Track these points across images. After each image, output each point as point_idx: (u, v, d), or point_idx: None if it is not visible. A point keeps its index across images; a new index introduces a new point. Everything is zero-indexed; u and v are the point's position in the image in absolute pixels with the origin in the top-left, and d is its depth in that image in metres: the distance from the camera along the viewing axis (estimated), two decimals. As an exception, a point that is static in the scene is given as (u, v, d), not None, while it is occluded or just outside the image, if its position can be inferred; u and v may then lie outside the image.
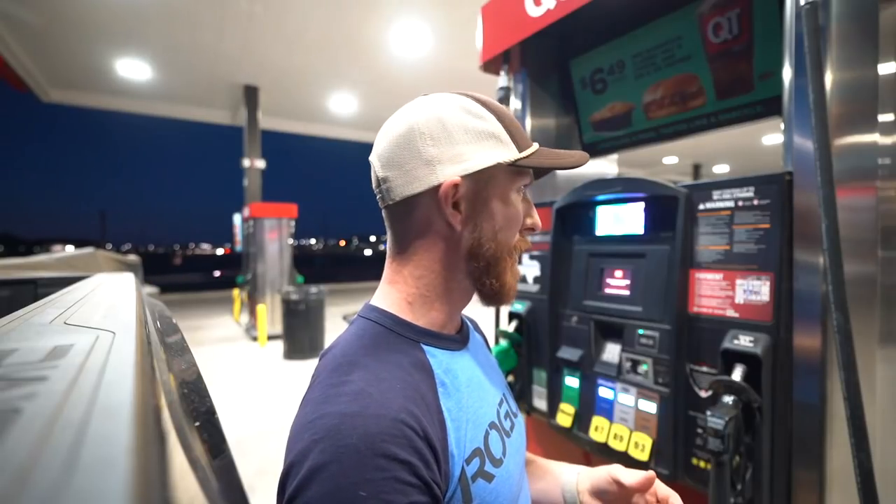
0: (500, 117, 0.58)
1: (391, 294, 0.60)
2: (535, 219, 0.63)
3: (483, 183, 0.57)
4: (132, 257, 4.83)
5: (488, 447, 0.56)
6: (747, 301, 0.94)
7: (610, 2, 1.29)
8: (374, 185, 0.61)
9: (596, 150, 1.73)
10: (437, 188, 0.55)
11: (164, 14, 5.86)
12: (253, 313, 7.58)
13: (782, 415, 0.89)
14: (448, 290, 0.60)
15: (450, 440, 0.51)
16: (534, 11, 1.43)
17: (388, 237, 0.63)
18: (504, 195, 0.59)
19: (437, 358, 0.57)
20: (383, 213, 0.62)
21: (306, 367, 5.61)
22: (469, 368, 0.61)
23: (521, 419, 0.70)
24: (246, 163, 8.83)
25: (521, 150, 0.58)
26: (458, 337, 0.63)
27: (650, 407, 1.10)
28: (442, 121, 0.56)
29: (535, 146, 0.60)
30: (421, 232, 0.58)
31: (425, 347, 0.57)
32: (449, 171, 0.55)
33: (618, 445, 1.14)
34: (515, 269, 0.62)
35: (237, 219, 9.30)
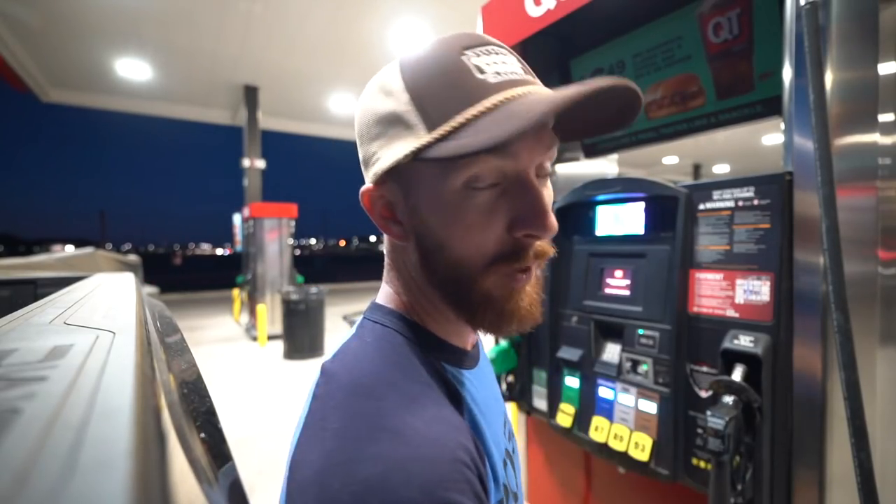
0: (414, 84, 0.41)
1: (388, 295, 0.52)
2: (535, 218, 0.42)
3: (408, 185, 0.44)
4: (132, 257, 4.83)
5: (508, 481, 0.49)
6: (747, 301, 0.94)
7: (610, 2, 1.29)
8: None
9: (596, 150, 1.73)
10: (365, 192, 0.47)
11: (163, 14, 5.86)
12: (253, 313, 7.58)
13: (782, 415, 0.89)
14: (419, 297, 0.49)
15: (488, 476, 0.43)
16: (534, 11, 1.43)
17: None
18: (438, 197, 0.42)
19: (459, 380, 0.48)
20: None
21: (306, 367, 5.61)
22: (484, 388, 0.53)
23: (514, 438, 0.62)
24: (246, 163, 8.83)
25: (432, 130, 0.39)
26: (474, 353, 0.54)
27: (650, 407, 1.10)
28: (362, 110, 0.46)
29: (468, 114, 0.38)
30: (388, 237, 0.49)
31: (445, 366, 0.48)
32: (374, 169, 0.45)
33: (618, 445, 1.13)
34: (514, 289, 0.44)
35: (237, 219, 9.30)
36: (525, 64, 0.45)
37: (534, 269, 0.45)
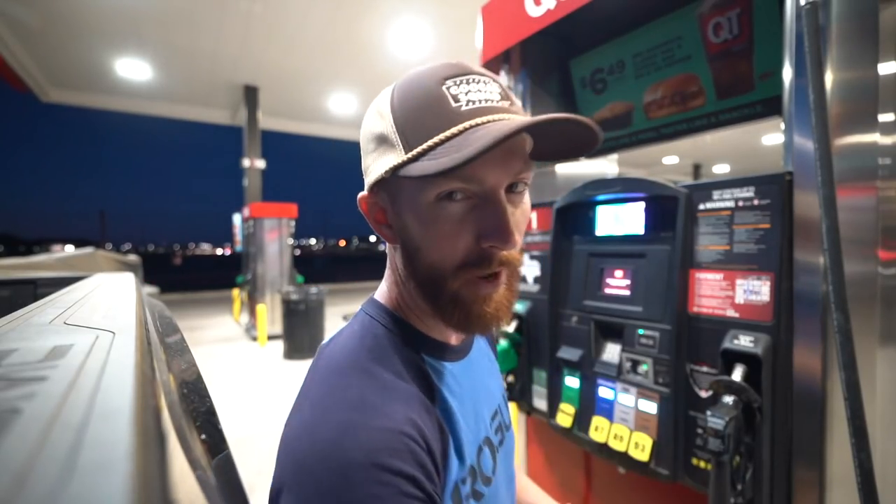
0: (399, 109, 0.47)
1: (382, 292, 0.58)
2: (498, 234, 0.45)
3: (394, 195, 0.50)
4: (132, 257, 4.82)
5: (480, 465, 0.54)
6: (747, 301, 0.94)
7: (610, 2, 1.29)
8: None
9: (596, 150, 1.73)
10: (360, 199, 0.54)
11: (163, 14, 5.86)
12: (253, 313, 7.58)
13: (782, 415, 0.89)
14: (405, 296, 0.55)
15: (449, 454, 0.49)
16: (534, 11, 1.43)
17: None
18: (416, 207, 0.47)
19: (437, 370, 0.54)
20: None
21: (306, 367, 5.60)
22: (468, 380, 0.58)
23: (511, 432, 0.67)
24: (246, 163, 8.83)
25: (409, 150, 0.45)
26: (460, 347, 0.59)
27: (650, 407, 1.10)
28: (363, 127, 0.53)
29: (435, 139, 0.44)
30: (388, 249, 0.57)
31: (425, 357, 0.54)
32: (366, 186, 0.52)
33: (618, 445, 1.14)
34: (480, 294, 0.48)
35: (237, 219, 9.30)
36: (507, 91, 0.50)
37: (503, 276, 0.49)
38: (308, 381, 0.51)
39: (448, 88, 0.46)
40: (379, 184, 0.50)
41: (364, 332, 0.53)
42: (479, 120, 0.44)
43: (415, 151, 0.44)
